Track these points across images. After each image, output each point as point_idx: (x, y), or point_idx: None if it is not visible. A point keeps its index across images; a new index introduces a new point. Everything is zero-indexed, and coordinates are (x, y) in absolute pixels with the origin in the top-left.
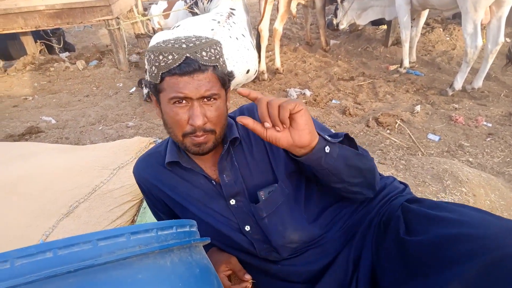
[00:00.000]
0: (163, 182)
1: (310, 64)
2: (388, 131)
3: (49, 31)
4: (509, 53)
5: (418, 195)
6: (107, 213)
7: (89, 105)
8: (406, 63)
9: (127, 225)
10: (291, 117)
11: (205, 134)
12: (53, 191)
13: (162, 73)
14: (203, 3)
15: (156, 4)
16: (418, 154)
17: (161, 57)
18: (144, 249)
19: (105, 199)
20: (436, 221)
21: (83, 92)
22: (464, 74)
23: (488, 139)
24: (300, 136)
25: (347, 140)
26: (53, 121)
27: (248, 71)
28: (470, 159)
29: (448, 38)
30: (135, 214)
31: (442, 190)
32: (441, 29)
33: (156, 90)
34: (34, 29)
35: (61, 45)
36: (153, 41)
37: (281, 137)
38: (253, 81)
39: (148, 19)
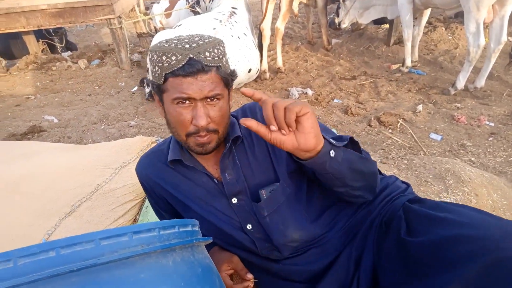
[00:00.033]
0: (166, 180)
1: (312, 63)
2: (390, 131)
3: (51, 30)
4: None
5: (420, 194)
6: (109, 212)
7: (91, 104)
8: (408, 62)
9: (129, 224)
10: (297, 120)
11: (208, 134)
12: (55, 190)
13: (165, 74)
14: (204, 2)
15: (158, 3)
16: (420, 154)
17: (164, 58)
18: (147, 249)
19: (107, 198)
20: (437, 222)
21: (85, 91)
22: (466, 73)
23: (491, 138)
24: (306, 140)
25: (351, 143)
26: (55, 120)
27: (250, 70)
28: (472, 159)
29: (450, 37)
30: (137, 213)
31: (444, 190)
32: (444, 28)
33: (159, 90)
34: (36, 28)
35: (63, 44)
36: (155, 40)
37: (286, 140)
38: (255, 80)
39: (150, 18)
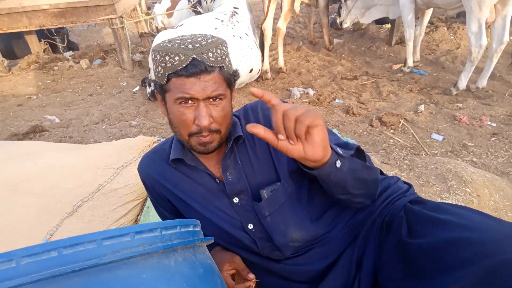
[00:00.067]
0: (167, 179)
1: (314, 63)
2: (391, 131)
3: (53, 30)
4: None
5: (422, 195)
6: (111, 212)
7: (93, 104)
8: (410, 62)
9: (130, 224)
10: (307, 130)
11: (211, 134)
12: (57, 190)
13: (168, 74)
14: (206, 2)
15: (160, 3)
16: (422, 154)
17: (167, 58)
18: (148, 249)
19: (109, 198)
20: (437, 224)
21: (87, 91)
22: (468, 74)
23: (493, 139)
24: (314, 151)
25: (356, 150)
26: (57, 120)
27: (251, 70)
28: (474, 159)
29: (452, 37)
30: (139, 213)
31: (446, 190)
32: (445, 28)
33: (162, 89)
34: (38, 28)
35: (65, 44)
36: (157, 40)
37: (293, 149)
38: (256, 80)
39: (152, 18)
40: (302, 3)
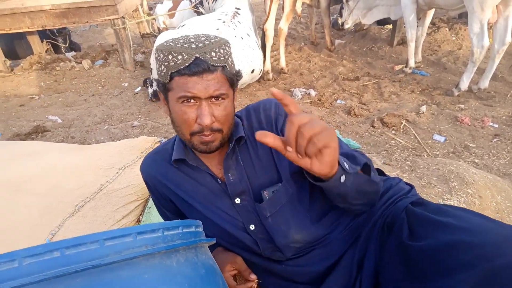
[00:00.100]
0: (170, 179)
1: (315, 63)
2: (393, 132)
3: (55, 30)
4: None
5: (424, 196)
6: (113, 212)
7: (95, 105)
8: (412, 63)
9: (132, 225)
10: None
11: (212, 133)
12: (59, 190)
13: (171, 73)
14: (208, 3)
15: (161, 3)
16: (424, 155)
17: (170, 57)
18: (151, 249)
19: (111, 198)
20: (438, 227)
21: (89, 91)
22: (470, 74)
23: (494, 140)
24: (320, 168)
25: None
26: (59, 120)
27: (253, 71)
28: (476, 160)
29: (454, 38)
30: (140, 214)
31: (448, 192)
32: (447, 29)
33: (164, 88)
34: (40, 29)
35: (67, 45)
36: (158, 41)
37: (299, 161)
38: (258, 80)
39: (154, 19)
40: (303, 3)
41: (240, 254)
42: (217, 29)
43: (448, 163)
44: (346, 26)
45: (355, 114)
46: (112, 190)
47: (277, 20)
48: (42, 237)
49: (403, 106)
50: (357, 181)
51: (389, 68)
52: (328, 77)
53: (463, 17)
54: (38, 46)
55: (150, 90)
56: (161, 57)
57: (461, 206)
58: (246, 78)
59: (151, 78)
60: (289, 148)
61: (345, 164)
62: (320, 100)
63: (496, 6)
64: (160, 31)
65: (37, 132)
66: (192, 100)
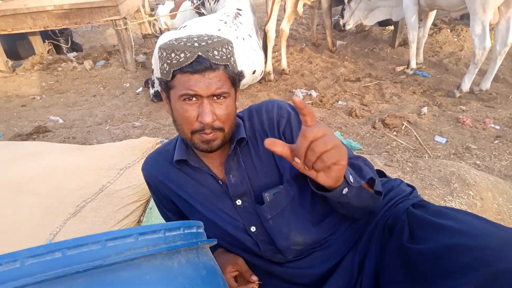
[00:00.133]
0: (171, 180)
1: (317, 65)
2: (394, 133)
3: (57, 31)
4: None
5: (425, 198)
6: (114, 213)
7: (96, 105)
8: (413, 64)
9: (133, 226)
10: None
11: (214, 132)
12: (60, 190)
13: (173, 71)
14: (209, 4)
15: (163, 4)
16: (425, 157)
17: (173, 55)
18: (152, 250)
19: (112, 199)
20: (438, 229)
21: (90, 92)
22: (472, 76)
23: (496, 141)
24: (326, 181)
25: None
26: (61, 121)
27: (254, 72)
28: (478, 162)
29: (455, 39)
30: (141, 215)
31: (449, 193)
32: (449, 30)
33: (166, 87)
34: (42, 29)
35: (69, 45)
36: (160, 41)
37: (305, 171)
38: (259, 81)
39: (155, 20)
40: (305, 4)
41: (241, 255)
42: (219, 30)
43: (449, 164)
44: (348, 27)
45: (356, 115)
46: (113, 191)
47: (279, 21)
48: (43, 237)
49: (405, 107)
50: (359, 194)
51: (390, 69)
52: (329, 78)
53: (464, 18)
54: (40, 46)
55: (152, 91)
56: (164, 55)
57: (462, 207)
58: (247, 79)
59: (153, 79)
60: (297, 160)
61: (350, 177)
62: (321, 101)
63: (498, 7)
64: (161, 32)
65: (38, 133)
66: (194, 98)
